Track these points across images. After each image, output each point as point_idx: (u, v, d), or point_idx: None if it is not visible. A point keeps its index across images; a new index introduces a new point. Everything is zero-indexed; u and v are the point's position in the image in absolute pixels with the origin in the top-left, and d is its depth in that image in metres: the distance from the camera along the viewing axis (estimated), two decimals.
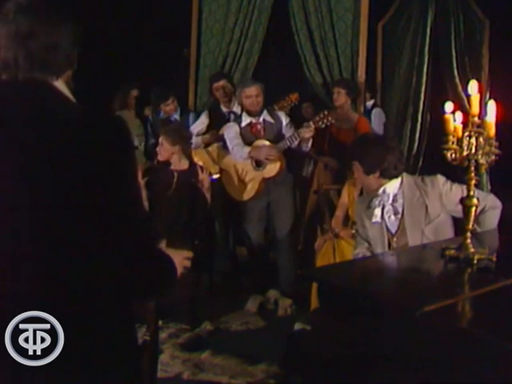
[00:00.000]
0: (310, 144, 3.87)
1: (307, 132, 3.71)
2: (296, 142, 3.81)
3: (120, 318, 1.21)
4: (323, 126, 3.75)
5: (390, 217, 2.60)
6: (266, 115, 3.96)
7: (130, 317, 1.26)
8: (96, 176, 1.14)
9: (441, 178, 2.62)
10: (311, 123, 3.73)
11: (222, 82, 4.38)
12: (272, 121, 3.94)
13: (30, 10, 1.19)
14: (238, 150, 3.91)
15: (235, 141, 3.94)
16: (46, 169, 1.12)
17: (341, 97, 4.31)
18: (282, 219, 3.98)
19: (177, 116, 4.74)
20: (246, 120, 3.97)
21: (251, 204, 3.99)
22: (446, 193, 2.57)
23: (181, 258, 1.40)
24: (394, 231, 2.60)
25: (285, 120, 3.98)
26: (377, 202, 2.63)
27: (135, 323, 1.31)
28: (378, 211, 2.61)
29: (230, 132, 4.01)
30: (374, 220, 2.61)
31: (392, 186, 2.62)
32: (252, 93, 3.87)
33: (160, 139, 3.82)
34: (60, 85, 1.23)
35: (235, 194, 4.01)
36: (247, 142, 3.92)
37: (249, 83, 3.96)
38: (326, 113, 3.77)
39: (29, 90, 1.19)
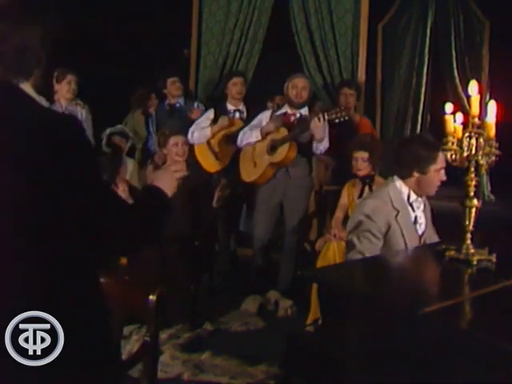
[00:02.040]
0: (323, 145, 3.80)
1: (317, 123, 3.64)
2: (306, 135, 3.77)
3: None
4: (337, 120, 3.67)
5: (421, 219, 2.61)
6: (305, 111, 3.95)
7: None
8: (56, 174, 1.14)
9: None
10: (325, 115, 3.66)
11: (241, 79, 4.42)
12: (308, 118, 3.89)
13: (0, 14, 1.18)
14: (246, 136, 3.98)
15: (249, 127, 4.00)
16: (10, 171, 1.13)
17: (352, 99, 4.30)
18: (293, 220, 3.95)
19: (181, 101, 4.73)
20: (283, 109, 4.02)
21: (265, 198, 3.98)
22: None
23: (169, 175, 1.45)
24: (421, 232, 2.59)
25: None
26: (416, 204, 2.58)
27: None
28: (420, 213, 2.58)
29: (256, 118, 4.05)
30: (419, 222, 2.56)
31: None
32: (299, 84, 3.91)
33: (176, 140, 3.70)
34: (25, 86, 1.23)
35: (244, 174, 4.02)
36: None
37: (298, 75, 4.00)
38: (341, 107, 3.75)
39: None
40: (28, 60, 1.21)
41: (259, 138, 3.92)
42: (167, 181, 1.41)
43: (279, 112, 4.02)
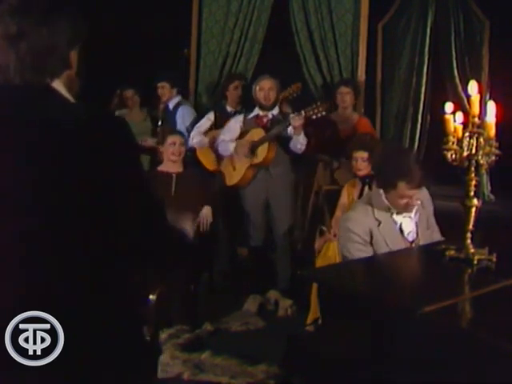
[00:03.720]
0: (300, 141, 3.80)
1: (297, 120, 3.68)
2: (287, 131, 3.79)
3: (122, 318, 1.21)
4: (314, 116, 3.72)
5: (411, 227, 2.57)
6: (276, 111, 3.98)
7: (134, 316, 1.25)
8: (100, 173, 1.13)
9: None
10: (302, 112, 3.72)
11: (240, 82, 4.45)
12: (280, 118, 3.93)
13: (19, 12, 1.17)
14: (223, 146, 4.00)
15: (225, 136, 4.01)
16: (49, 170, 1.12)
17: (349, 97, 4.29)
18: (281, 218, 3.98)
19: (171, 105, 4.68)
20: (254, 112, 4.01)
21: (250, 199, 3.99)
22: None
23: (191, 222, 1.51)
24: (411, 239, 2.57)
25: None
26: (398, 214, 2.53)
27: (140, 322, 1.31)
28: (407, 221, 2.55)
29: (230, 124, 4.07)
30: (407, 231, 2.54)
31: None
32: (265, 86, 3.93)
33: (173, 139, 3.74)
34: (58, 85, 1.21)
35: (227, 179, 4.04)
36: (246, 130, 3.94)
37: (264, 77, 4.00)
38: (318, 103, 3.79)
39: (26, 93, 1.18)
40: (49, 59, 1.19)
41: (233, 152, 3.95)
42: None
43: (251, 115, 4.02)
